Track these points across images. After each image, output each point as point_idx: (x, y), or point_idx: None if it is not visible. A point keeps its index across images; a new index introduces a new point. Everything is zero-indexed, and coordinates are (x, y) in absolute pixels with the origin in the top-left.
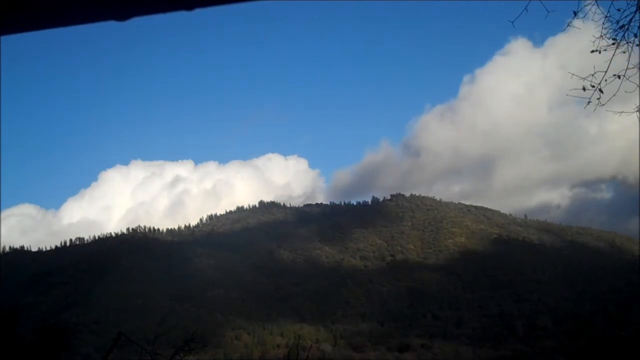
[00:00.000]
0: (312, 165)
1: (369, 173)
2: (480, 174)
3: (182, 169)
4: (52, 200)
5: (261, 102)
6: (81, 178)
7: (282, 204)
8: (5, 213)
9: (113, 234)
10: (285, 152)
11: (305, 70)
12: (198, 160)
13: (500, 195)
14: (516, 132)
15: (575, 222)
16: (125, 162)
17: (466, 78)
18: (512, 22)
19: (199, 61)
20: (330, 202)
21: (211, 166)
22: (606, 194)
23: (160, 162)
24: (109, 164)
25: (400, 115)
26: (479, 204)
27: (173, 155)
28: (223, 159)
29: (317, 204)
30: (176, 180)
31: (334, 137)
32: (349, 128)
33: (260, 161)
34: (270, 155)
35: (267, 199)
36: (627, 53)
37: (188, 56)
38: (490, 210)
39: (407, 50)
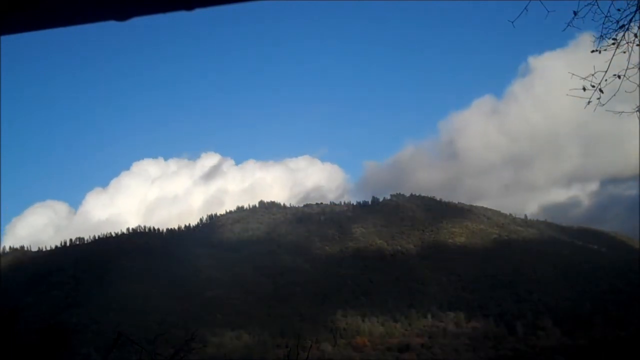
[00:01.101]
0: (341, 166)
1: (400, 170)
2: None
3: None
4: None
5: (285, 101)
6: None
7: (282, 203)
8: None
9: (113, 234)
10: (313, 153)
11: (319, 70)
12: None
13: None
14: (552, 130)
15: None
16: (155, 157)
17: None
18: (512, 22)
19: (207, 60)
20: (330, 202)
21: (247, 165)
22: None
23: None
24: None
25: (431, 114)
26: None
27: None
28: (239, 159)
29: (317, 204)
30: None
31: (362, 135)
32: (377, 125)
33: (291, 162)
34: (299, 156)
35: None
36: (627, 53)
37: (193, 55)
38: (490, 210)
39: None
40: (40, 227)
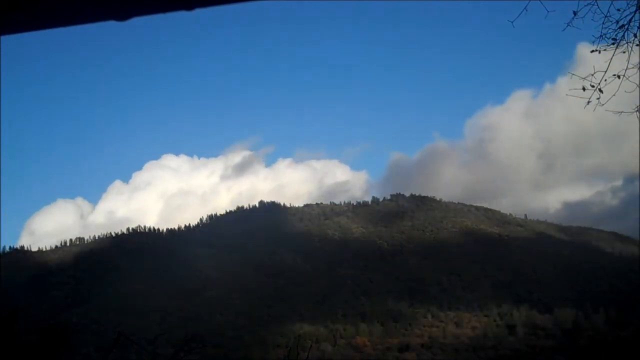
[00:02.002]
0: (357, 167)
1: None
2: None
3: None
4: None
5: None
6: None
7: (282, 204)
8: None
9: (113, 234)
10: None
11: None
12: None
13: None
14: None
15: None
16: (176, 154)
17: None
18: (512, 22)
19: (212, 60)
20: (330, 202)
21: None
22: None
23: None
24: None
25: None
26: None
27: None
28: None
29: (317, 204)
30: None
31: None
32: (405, 119)
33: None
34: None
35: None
36: (627, 53)
37: (195, 54)
38: (490, 210)
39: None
40: (59, 224)
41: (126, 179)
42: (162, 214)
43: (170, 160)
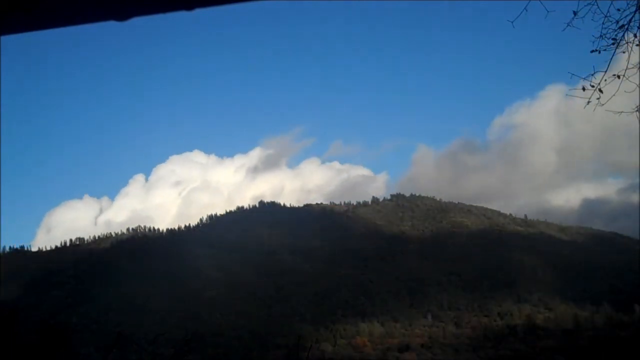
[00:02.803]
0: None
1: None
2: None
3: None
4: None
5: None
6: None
7: (282, 204)
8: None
9: (113, 234)
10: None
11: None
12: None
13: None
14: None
15: None
16: (190, 150)
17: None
18: (512, 22)
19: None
20: (330, 202)
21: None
22: None
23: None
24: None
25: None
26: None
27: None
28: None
29: (317, 203)
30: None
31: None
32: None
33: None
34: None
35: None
36: (627, 53)
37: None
38: (490, 210)
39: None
40: (79, 220)
41: (147, 174)
42: (181, 211)
43: (194, 157)
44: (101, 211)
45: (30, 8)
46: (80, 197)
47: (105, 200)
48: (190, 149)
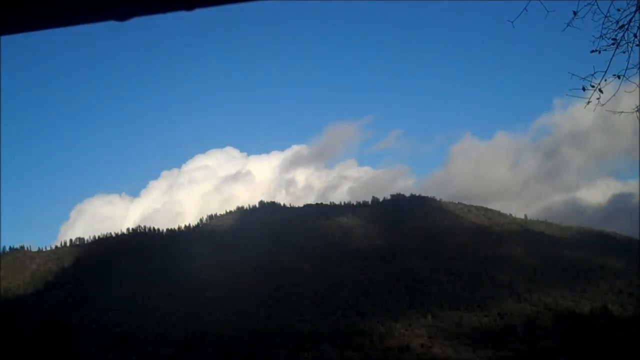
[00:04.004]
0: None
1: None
2: None
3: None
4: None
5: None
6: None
7: (282, 204)
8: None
9: (113, 234)
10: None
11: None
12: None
13: None
14: None
15: None
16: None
17: None
18: (512, 22)
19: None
20: (330, 202)
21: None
22: None
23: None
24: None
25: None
26: None
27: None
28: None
29: (317, 204)
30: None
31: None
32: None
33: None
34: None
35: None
36: (627, 53)
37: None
38: (490, 210)
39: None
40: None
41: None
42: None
43: (230, 152)
44: (128, 208)
45: (30, 8)
46: (108, 193)
47: (137, 195)
48: (222, 145)
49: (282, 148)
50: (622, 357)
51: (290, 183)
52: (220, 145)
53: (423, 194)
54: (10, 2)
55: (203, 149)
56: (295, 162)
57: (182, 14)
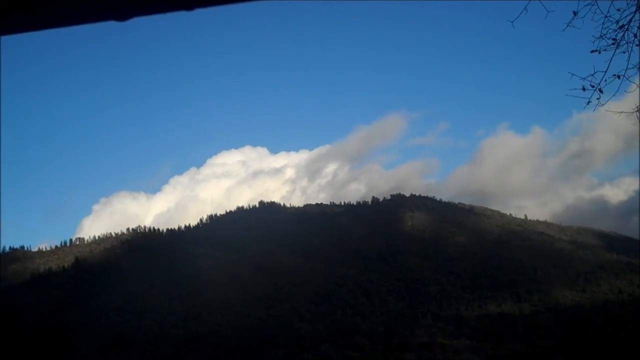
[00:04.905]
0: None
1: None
2: None
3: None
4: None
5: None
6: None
7: (282, 204)
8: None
9: (113, 234)
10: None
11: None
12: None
13: None
14: None
15: None
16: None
17: None
18: (512, 22)
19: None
20: (330, 202)
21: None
22: None
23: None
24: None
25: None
26: None
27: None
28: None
29: (317, 204)
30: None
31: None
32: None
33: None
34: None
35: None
36: (627, 53)
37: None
38: (490, 210)
39: None
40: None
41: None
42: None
43: (246, 151)
44: (150, 206)
45: (30, 8)
46: (133, 190)
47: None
48: (239, 145)
49: (310, 147)
50: (622, 357)
51: (312, 179)
52: (251, 143)
53: (423, 194)
54: (10, 2)
55: (228, 146)
56: (320, 161)
57: (182, 14)
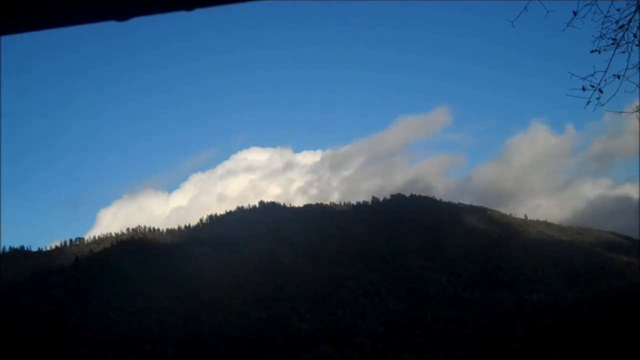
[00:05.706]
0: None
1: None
2: None
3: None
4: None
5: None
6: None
7: (282, 204)
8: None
9: (113, 234)
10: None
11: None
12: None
13: None
14: None
15: None
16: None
17: None
18: (512, 22)
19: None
20: (331, 202)
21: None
22: None
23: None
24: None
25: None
26: None
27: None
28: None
29: (317, 204)
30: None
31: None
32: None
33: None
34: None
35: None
36: (627, 53)
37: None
38: (490, 210)
39: None
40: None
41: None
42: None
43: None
44: (167, 205)
45: (30, 8)
46: (158, 189)
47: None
48: (248, 146)
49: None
50: (622, 357)
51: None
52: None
53: (427, 194)
54: (10, 2)
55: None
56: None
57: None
